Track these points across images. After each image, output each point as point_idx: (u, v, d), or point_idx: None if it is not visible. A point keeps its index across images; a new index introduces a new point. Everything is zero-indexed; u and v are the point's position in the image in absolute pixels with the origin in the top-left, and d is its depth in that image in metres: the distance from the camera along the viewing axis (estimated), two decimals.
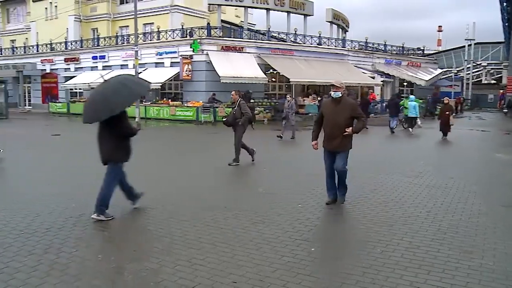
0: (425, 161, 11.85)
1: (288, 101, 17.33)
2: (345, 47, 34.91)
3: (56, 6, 40.92)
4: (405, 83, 38.45)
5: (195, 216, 6.41)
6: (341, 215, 6.82)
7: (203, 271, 4.55)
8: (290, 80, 27.61)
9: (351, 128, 6.69)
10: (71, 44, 37.67)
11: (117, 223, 6.23)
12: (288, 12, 33.24)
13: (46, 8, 42.06)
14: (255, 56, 28.77)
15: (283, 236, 5.62)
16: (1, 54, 44.38)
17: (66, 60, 36.36)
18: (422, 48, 44.21)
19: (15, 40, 46.80)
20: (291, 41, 32.92)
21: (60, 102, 35.06)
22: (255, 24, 42.46)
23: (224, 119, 11.13)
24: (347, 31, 40.78)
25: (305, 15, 34.35)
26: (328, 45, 33.63)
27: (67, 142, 16.70)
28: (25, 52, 41.69)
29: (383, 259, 4.85)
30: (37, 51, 40.17)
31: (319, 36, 33.40)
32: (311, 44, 32.85)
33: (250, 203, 7.23)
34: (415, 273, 4.50)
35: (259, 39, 32.10)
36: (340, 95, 6.76)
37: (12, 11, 49.09)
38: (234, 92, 11.41)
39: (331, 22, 36.46)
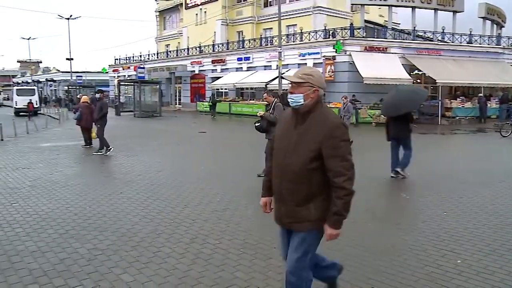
0: None
1: (344, 102, 15.75)
2: (500, 45, 32.04)
3: (205, 11, 43.89)
4: None
5: None
6: (493, 224, 6.25)
7: (343, 274, 4.41)
8: (437, 81, 26.24)
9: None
10: (218, 46, 40.00)
11: (255, 220, 6.46)
12: (436, 9, 31.60)
13: (196, 14, 45.35)
14: (399, 56, 27.91)
15: (427, 244, 5.38)
16: (157, 57, 48.85)
17: (213, 61, 38.73)
18: None
19: (169, 44, 51.52)
20: (438, 40, 31.23)
21: (207, 101, 37.55)
22: (399, 24, 41.08)
23: (256, 124, 9.62)
24: (503, 26, 37.36)
25: (454, 12, 32.32)
26: (480, 43, 31.20)
27: (212, 139, 17.67)
28: (177, 55, 45.44)
29: None
30: (188, 54, 43.46)
31: (470, 34, 31.15)
32: (461, 42, 30.80)
33: (392, 208, 7.08)
34: None
35: (403, 39, 31.01)
36: (303, 102, 3.14)
37: (168, 18, 53.95)
38: (266, 93, 10.01)
39: (484, 18, 33.78)
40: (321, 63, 28.13)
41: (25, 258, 5.00)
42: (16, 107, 37.98)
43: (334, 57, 27.79)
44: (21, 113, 36.10)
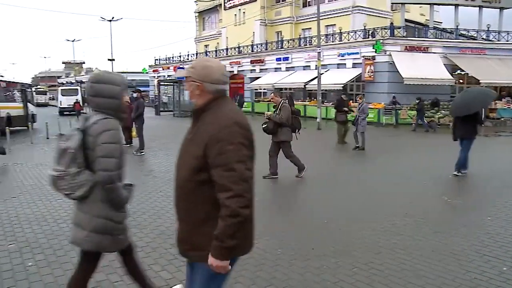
0: None
1: (360, 103, 15.08)
2: None
3: (244, 12, 44.20)
4: None
5: (373, 220, 6.41)
6: None
7: (380, 276, 4.48)
8: (480, 81, 25.50)
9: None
10: (257, 47, 40.18)
11: (296, 221, 6.52)
12: (480, 7, 30.83)
13: (235, 14, 45.71)
14: (441, 56, 27.32)
15: (469, 249, 5.25)
16: (196, 58, 49.39)
17: (252, 62, 38.91)
18: None
19: (208, 45, 52.22)
20: (482, 38, 30.36)
21: (246, 102, 37.82)
22: (441, 22, 40.18)
23: (263, 126, 9.50)
24: None
25: (501, 8, 31.38)
26: None
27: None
28: (216, 56, 45.88)
29: None
30: (227, 54, 43.84)
31: None
32: (507, 40, 29.82)
33: (433, 211, 6.96)
34: None
35: (445, 38, 30.31)
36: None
37: (207, 19, 54.64)
38: (273, 94, 9.87)
39: None
40: (361, 63, 27.91)
41: (68, 252, 5.16)
42: (61, 106, 39.38)
43: (373, 57, 27.47)
44: (65, 112, 37.38)
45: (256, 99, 36.86)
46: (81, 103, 37.72)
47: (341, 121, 16.03)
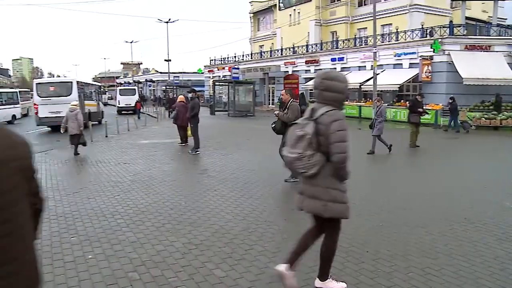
0: None
1: (378, 106, 14.28)
2: None
3: (299, 12, 44.24)
4: None
5: (431, 224, 6.29)
6: None
7: (436, 282, 4.38)
8: None
9: None
10: (312, 47, 40.10)
11: (350, 223, 6.23)
12: None
13: (290, 14, 45.83)
14: (504, 55, 26.27)
15: None
16: (251, 58, 50.10)
17: (306, 62, 38.88)
18: None
19: (263, 45, 52.67)
20: None
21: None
22: (505, 19, 38.46)
23: (272, 125, 9.24)
24: None
25: None
26: None
27: None
28: (270, 56, 46.28)
29: None
30: (281, 54, 44.06)
31: None
32: None
33: (494, 217, 6.69)
34: None
35: (510, 36, 29.09)
36: None
37: (262, 20, 55.08)
38: (284, 91, 9.38)
39: None
40: (418, 63, 27.35)
41: (125, 247, 5.42)
42: (119, 106, 41.07)
43: (431, 57, 26.84)
44: (123, 112, 38.92)
45: (311, 100, 36.78)
46: (141, 103, 39.23)
47: (414, 123, 15.45)
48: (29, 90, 59.66)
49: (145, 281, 4.47)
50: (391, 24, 35.25)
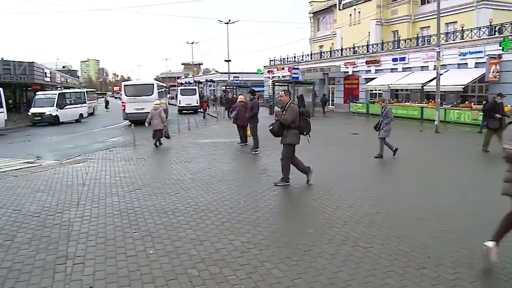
0: None
1: (383, 106, 13.55)
2: None
3: (359, 12, 43.68)
4: None
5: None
6: None
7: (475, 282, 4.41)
8: None
9: None
10: (373, 47, 39.47)
11: (412, 228, 6.29)
12: None
13: (350, 14, 45.34)
14: None
15: None
16: (311, 58, 50.03)
17: (367, 62, 38.38)
18: None
19: (322, 45, 52.49)
20: None
21: (360, 103, 37.52)
22: None
23: (269, 127, 9.07)
24: None
25: None
26: None
27: (364, 141, 17.33)
28: (330, 56, 46.02)
29: None
30: (341, 54, 43.68)
31: None
32: None
33: None
34: None
35: None
36: None
37: (322, 20, 54.84)
38: (283, 92, 9.13)
39: None
40: (484, 62, 26.30)
41: (185, 244, 5.58)
42: (180, 105, 42.43)
43: (500, 56, 25.72)
44: (183, 111, 40.20)
45: (371, 100, 36.36)
46: (195, 103, 40.73)
47: (493, 129, 13.64)
48: (95, 90, 63.22)
49: (204, 278, 4.62)
50: (456, 22, 34.01)
